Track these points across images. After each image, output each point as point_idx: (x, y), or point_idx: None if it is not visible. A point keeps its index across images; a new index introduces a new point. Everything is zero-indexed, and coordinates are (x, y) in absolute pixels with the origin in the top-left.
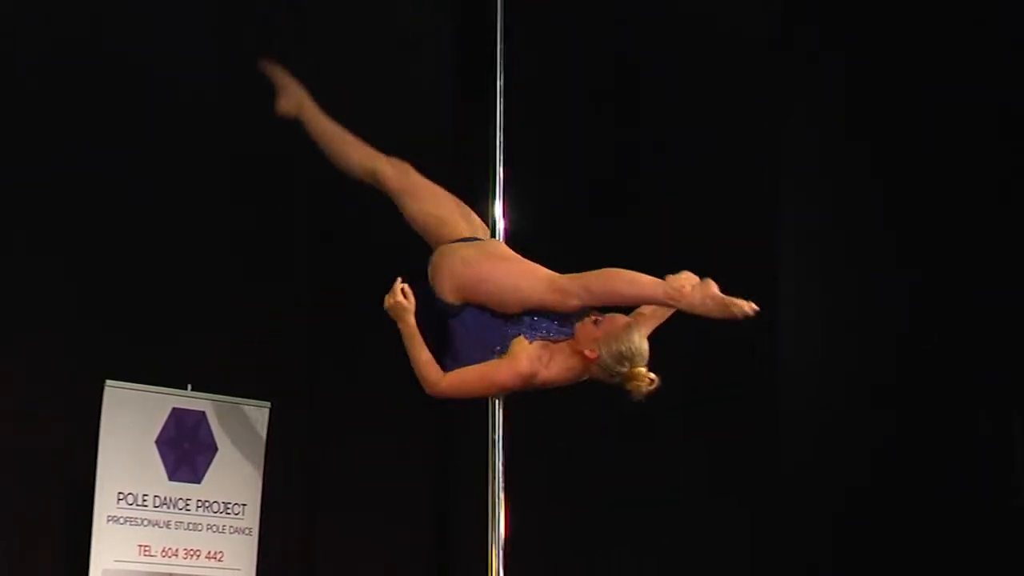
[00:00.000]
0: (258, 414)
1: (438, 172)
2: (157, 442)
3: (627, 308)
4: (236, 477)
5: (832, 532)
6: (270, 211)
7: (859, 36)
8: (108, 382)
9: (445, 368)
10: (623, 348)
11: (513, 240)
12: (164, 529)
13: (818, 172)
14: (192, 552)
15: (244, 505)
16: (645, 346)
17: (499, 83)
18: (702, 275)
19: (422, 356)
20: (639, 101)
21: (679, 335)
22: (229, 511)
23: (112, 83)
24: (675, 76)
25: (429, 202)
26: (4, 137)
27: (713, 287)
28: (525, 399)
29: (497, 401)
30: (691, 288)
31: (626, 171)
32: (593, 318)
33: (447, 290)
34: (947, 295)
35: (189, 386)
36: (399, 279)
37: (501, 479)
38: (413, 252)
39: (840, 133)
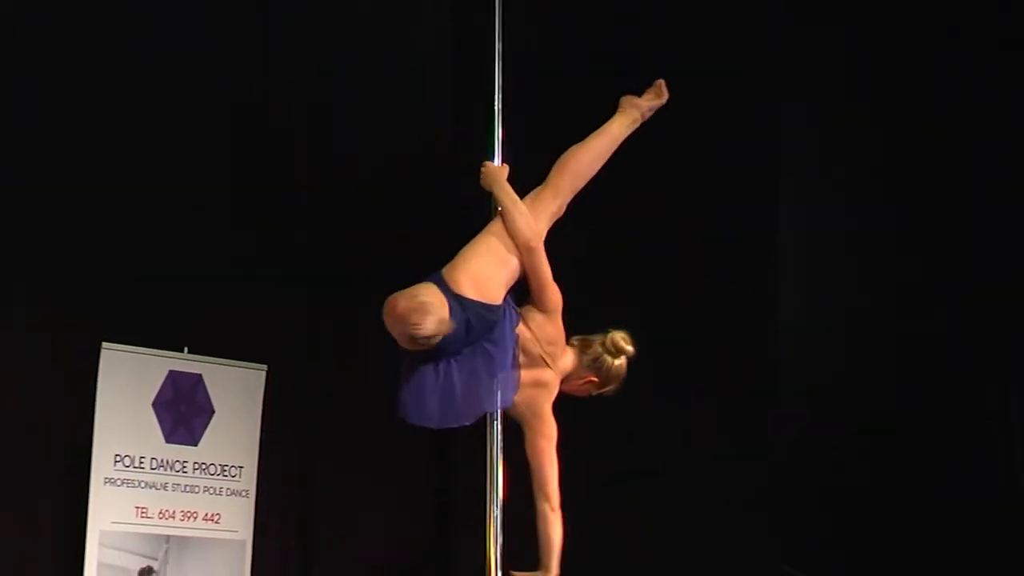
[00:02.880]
0: (255, 377)
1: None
2: (154, 404)
3: None
4: (233, 439)
5: (828, 512)
6: (269, 174)
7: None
8: (105, 344)
9: None
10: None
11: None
12: (161, 491)
13: (818, 136)
14: (189, 514)
15: (241, 467)
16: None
17: (497, 49)
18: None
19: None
20: (639, 63)
21: (680, 310)
22: (226, 473)
23: (109, 52)
24: (676, 35)
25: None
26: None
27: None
28: None
29: None
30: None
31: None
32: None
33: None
34: (950, 276)
35: (186, 348)
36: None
37: (499, 441)
38: (413, 217)
39: (840, 93)
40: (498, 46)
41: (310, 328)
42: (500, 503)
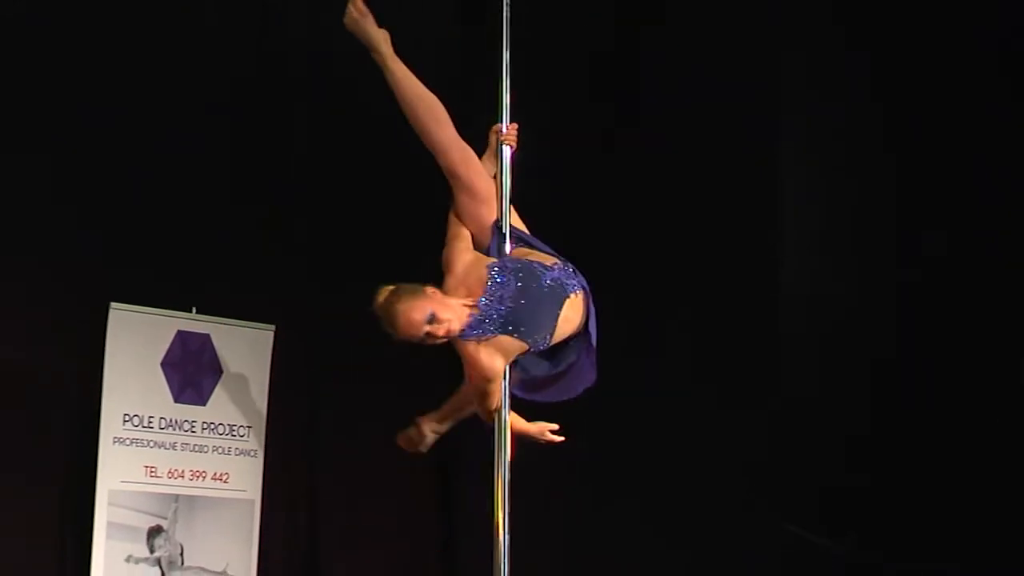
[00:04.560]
0: (263, 337)
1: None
2: (162, 364)
3: None
4: (241, 399)
5: (838, 454)
6: (273, 134)
7: None
8: (113, 304)
9: None
10: None
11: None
12: (170, 450)
13: (819, 92)
14: (198, 473)
15: (249, 427)
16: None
17: (505, 15)
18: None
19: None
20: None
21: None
22: (234, 433)
23: (115, 9)
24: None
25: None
26: (4, 61)
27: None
28: None
29: None
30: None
31: (627, 78)
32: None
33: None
34: (948, 211)
35: (194, 309)
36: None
37: (507, 400)
38: (415, 176)
39: (840, 45)
40: (506, 12)
41: (318, 288)
42: (507, 462)
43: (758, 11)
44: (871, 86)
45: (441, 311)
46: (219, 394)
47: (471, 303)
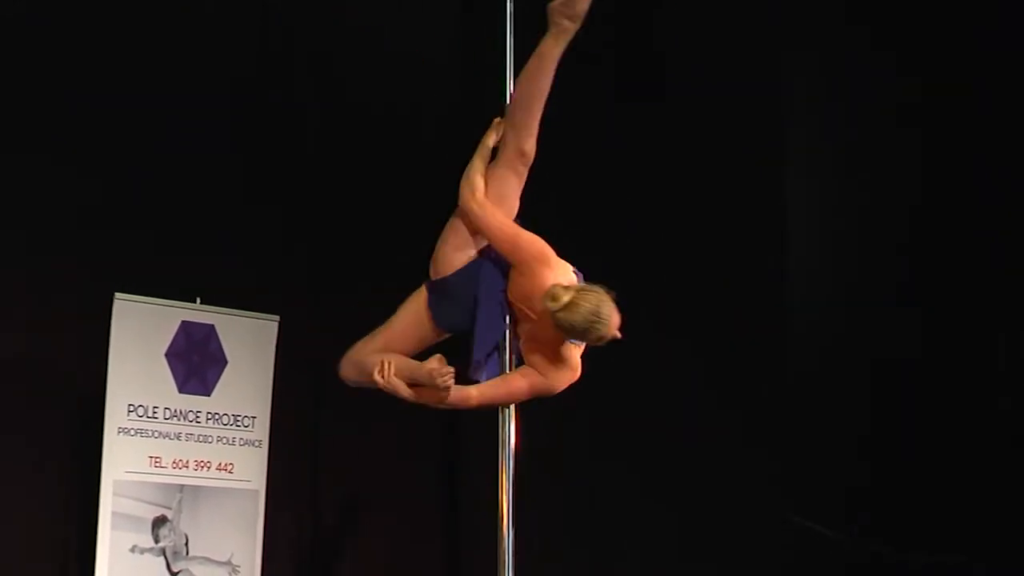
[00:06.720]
0: (268, 327)
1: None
2: (167, 355)
3: None
4: (246, 390)
5: (838, 446)
6: (277, 124)
7: None
8: (117, 295)
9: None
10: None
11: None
12: (175, 441)
13: (821, 91)
14: (203, 464)
15: (254, 418)
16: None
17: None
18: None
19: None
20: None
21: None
22: (239, 423)
23: (115, 7)
24: None
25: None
26: (10, 48)
27: None
28: None
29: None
30: None
31: (640, 68)
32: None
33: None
34: (947, 210)
35: (198, 299)
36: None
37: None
38: (418, 168)
39: (841, 45)
40: (508, 12)
41: (322, 278)
42: (512, 448)
43: (758, 11)
44: (872, 86)
45: None
46: (224, 384)
47: None
